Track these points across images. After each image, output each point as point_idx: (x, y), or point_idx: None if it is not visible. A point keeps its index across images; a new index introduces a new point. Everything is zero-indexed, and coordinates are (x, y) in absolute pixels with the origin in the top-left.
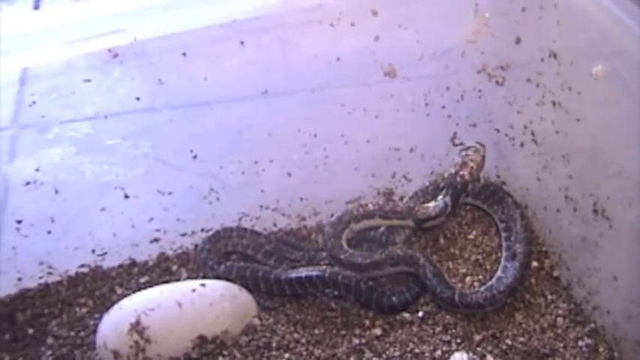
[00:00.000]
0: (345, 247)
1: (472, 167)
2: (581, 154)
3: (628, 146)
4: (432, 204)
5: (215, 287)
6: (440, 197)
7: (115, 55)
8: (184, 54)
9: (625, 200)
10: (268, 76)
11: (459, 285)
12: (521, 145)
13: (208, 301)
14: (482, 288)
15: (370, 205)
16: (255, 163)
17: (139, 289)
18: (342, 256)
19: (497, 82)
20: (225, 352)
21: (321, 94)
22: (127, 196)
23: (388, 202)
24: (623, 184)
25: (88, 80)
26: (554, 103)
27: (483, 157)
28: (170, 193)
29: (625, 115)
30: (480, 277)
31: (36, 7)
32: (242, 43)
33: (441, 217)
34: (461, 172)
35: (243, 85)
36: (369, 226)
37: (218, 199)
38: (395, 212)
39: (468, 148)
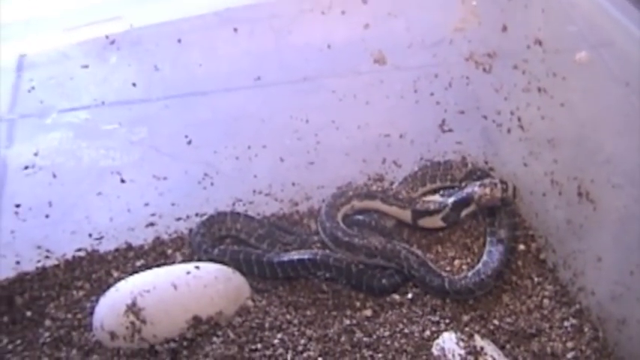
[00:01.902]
0: (338, 219)
1: (487, 194)
2: (566, 139)
3: (615, 133)
4: (434, 199)
5: (209, 270)
6: (444, 198)
7: (112, 42)
8: (179, 41)
9: (609, 183)
10: (261, 64)
11: (448, 268)
12: (508, 131)
13: (203, 283)
14: (470, 273)
15: (374, 187)
16: (249, 148)
17: (135, 273)
18: (328, 224)
19: (484, 70)
20: (219, 333)
21: (313, 81)
22: (123, 181)
23: (391, 189)
24: (610, 169)
25: (86, 66)
26: (539, 90)
27: (498, 197)
28: (165, 178)
29: (612, 103)
30: (469, 260)
31: None
32: (235, 30)
33: (437, 214)
34: (477, 191)
35: (237, 73)
36: (369, 207)
37: (212, 184)
38: (397, 199)
39: (493, 182)
